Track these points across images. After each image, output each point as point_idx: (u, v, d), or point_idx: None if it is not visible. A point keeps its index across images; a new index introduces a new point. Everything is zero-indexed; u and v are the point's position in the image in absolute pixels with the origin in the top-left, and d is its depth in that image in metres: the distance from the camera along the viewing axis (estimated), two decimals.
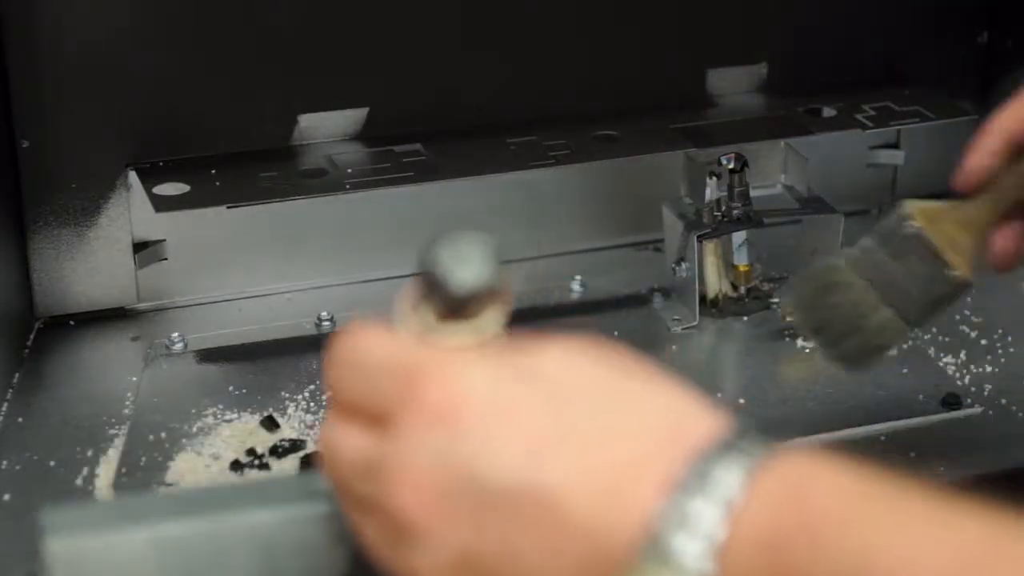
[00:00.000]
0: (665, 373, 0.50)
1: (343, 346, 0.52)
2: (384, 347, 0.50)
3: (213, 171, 1.01)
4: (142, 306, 1.01)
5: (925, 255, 0.72)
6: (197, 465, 0.84)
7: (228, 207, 0.99)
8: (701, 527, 0.45)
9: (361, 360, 0.51)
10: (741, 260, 1.00)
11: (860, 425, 0.87)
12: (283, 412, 0.89)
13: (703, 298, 0.99)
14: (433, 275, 0.49)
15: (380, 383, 0.50)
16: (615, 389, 0.49)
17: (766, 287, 1.02)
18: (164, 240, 1.00)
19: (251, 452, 0.85)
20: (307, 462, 0.83)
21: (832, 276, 0.74)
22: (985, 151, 0.75)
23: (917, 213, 0.72)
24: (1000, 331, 0.98)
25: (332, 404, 0.52)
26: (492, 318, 0.49)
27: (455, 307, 0.49)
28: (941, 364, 0.94)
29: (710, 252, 0.99)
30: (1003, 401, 0.90)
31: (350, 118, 1.06)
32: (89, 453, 0.85)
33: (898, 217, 0.73)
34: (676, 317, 0.99)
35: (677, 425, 0.48)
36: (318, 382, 0.92)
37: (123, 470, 0.84)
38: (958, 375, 0.93)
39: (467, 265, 0.49)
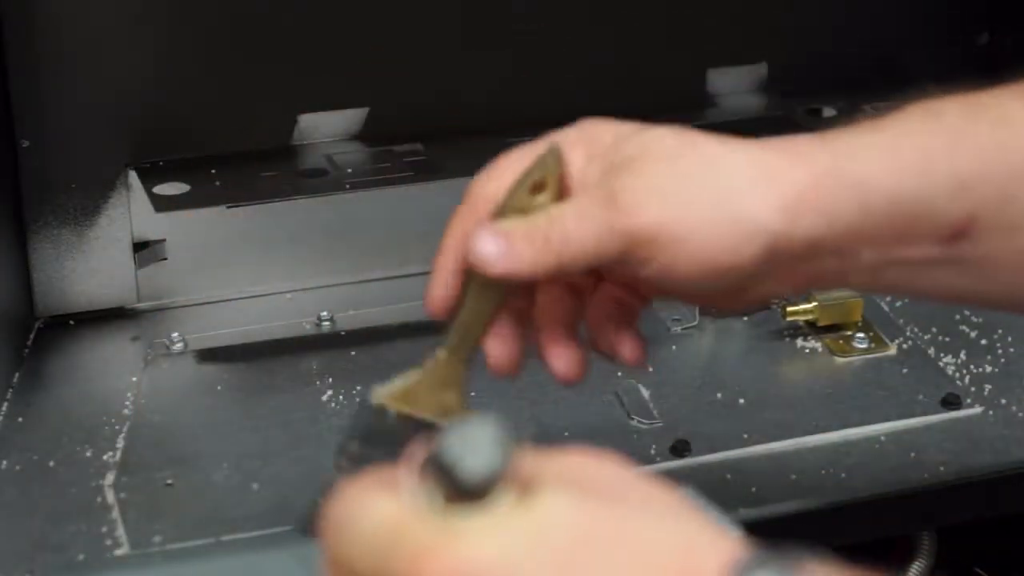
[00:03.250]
0: (669, 494, 0.49)
1: (345, 509, 0.49)
2: (390, 518, 0.48)
3: (213, 171, 1.01)
4: (142, 306, 1.01)
5: (418, 431, 0.65)
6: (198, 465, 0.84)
7: (228, 207, 0.99)
8: None
9: (365, 529, 0.48)
10: None
11: (860, 425, 0.88)
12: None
13: None
14: (441, 461, 0.47)
15: (386, 557, 0.48)
16: (622, 534, 0.47)
17: None
18: (164, 240, 1.00)
19: None
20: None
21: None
22: (443, 275, 0.67)
23: (390, 401, 0.66)
24: (1000, 331, 0.98)
25: (331, 567, 0.50)
26: (501, 497, 0.48)
27: (463, 495, 0.48)
28: (941, 364, 0.94)
29: None
30: (1003, 401, 0.90)
31: (350, 118, 1.06)
32: (89, 453, 0.85)
33: (373, 413, 0.67)
34: (676, 317, 0.99)
35: (690, 562, 0.47)
36: (318, 383, 0.92)
37: (123, 470, 0.84)
38: (958, 375, 0.93)
39: (476, 455, 0.47)
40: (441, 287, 0.67)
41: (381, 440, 0.65)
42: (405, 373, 0.66)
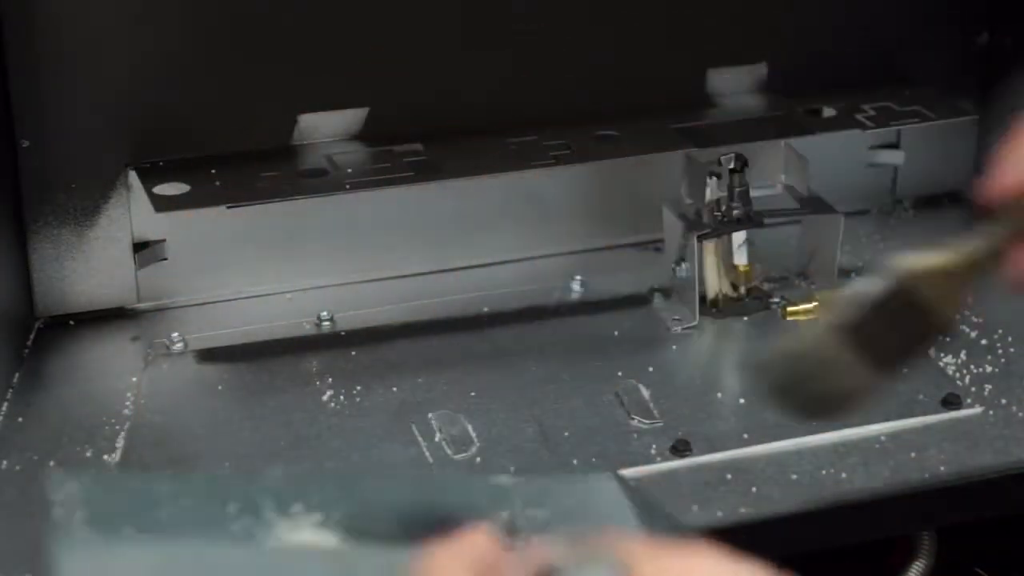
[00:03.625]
0: None
1: None
2: None
3: (213, 171, 1.01)
4: (142, 306, 1.01)
5: (917, 313, 0.64)
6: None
7: (228, 207, 0.99)
8: None
9: None
10: (741, 260, 1.00)
11: (860, 425, 0.87)
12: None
13: (703, 298, 1.00)
14: None
15: None
16: None
17: (766, 287, 1.02)
18: (164, 240, 1.00)
19: None
20: None
21: (817, 354, 0.64)
22: (1019, 165, 0.63)
23: (914, 277, 0.63)
24: (1000, 331, 0.98)
25: None
26: None
27: None
28: (941, 364, 0.94)
29: (710, 252, 0.99)
30: (1003, 401, 0.90)
31: (350, 118, 1.06)
32: (89, 453, 0.85)
33: (894, 278, 0.64)
34: (676, 317, 0.99)
35: None
36: (318, 383, 0.92)
37: (123, 470, 0.84)
38: (958, 375, 0.93)
39: None
40: (1010, 178, 0.62)
41: (891, 313, 0.63)
42: (935, 248, 0.63)
